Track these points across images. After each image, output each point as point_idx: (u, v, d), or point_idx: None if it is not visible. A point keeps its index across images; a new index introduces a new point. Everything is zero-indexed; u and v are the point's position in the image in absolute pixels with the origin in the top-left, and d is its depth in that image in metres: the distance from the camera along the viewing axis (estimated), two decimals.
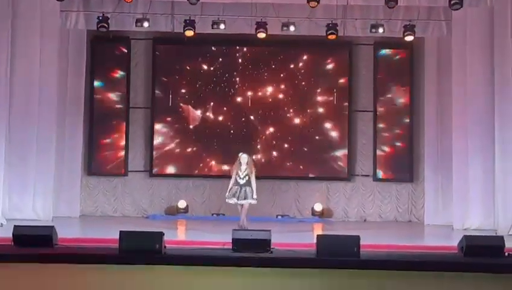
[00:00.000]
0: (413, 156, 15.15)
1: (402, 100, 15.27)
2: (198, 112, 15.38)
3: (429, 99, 14.60)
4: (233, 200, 11.90)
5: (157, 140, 15.31)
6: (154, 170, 15.28)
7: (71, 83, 14.51)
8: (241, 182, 11.83)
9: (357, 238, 8.51)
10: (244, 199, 11.83)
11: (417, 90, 15.12)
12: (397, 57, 15.33)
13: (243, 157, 11.97)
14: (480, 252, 8.63)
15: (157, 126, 15.33)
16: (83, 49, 14.67)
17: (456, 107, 13.35)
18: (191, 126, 15.38)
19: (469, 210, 13.06)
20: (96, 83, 15.18)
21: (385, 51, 15.31)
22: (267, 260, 8.33)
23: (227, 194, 11.98)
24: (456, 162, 13.28)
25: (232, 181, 11.93)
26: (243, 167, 11.88)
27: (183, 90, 15.39)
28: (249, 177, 11.84)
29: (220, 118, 15.39)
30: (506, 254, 8.84)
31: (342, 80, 15.39)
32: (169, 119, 15.38)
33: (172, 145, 15.37)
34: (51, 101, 13.41)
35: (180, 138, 15.37)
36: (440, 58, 14.46)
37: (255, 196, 11.86)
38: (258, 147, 15.32)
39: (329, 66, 15.43)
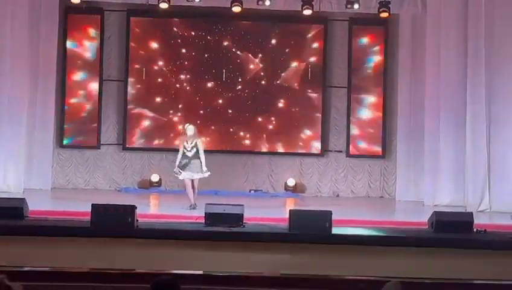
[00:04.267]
0: (386, 133, 15.22)
1: (376, 76, 15.29)
2: (173, 86, 15.28)
3: (403, 76, 14.64)
4: (184, 175, 11.41)
5: (130, 113, 15.19)
6: (127, 143, 15.18)
7: (43, 53, 14.25)
8: (189, 154, 11.44)
9: (329, 213, 8.59)
10: (196, 172, 11.38)
11: (391, 67, 15.14)
12: (372, 33, 15.33)
13: (189, 128, 11.63)
14: (449, 228, 8.77)
15: (131, 99, 15.19)
16: (55, 20, 14.39)
17: (428, 83, 13.40)
18: (165, 99, 15.27)
19: (440, 187, 13.19)
20: (68, 54, 14.95)
21: (360, 27, 15.28)
22: (239, 234, 8.38)
23: (175, 169, 11.52)
24: (428, 139, 13.39)
25: (179, 155, 11.52)
26: (189, 139, 11.51)
27: (157, 64, 15.25)
28: (197, 150, 11.43)
29: (195, 92, 15.30)
30: (475, 229, 9.00)
31: (316, 56, 15.35)
32: (142, 92, 15.25)
33: (145, 119, 15.27)
34: (22, 72, 13.16)
35: (154, 112, 15.26)
36: (414, 35, 14.47)
37: (204, 169, 11.40)
38: (233, 120, 15.28)
39: (304, 42, 15.38)
